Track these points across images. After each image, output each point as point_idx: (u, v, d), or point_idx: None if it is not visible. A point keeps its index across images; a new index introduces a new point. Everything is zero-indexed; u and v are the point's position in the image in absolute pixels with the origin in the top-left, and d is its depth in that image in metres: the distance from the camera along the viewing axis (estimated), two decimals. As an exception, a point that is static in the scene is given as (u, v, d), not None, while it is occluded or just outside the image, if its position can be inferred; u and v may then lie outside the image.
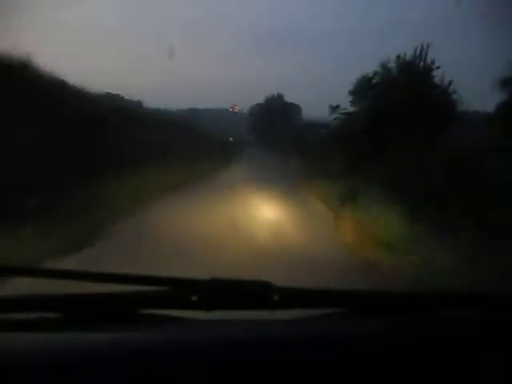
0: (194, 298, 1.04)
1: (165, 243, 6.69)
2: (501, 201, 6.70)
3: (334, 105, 16.71)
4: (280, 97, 77.25)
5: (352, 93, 15.63)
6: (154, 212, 9.73)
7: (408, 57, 14.05)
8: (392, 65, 14.46)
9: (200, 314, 1.07)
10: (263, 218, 10.34)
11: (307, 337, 0.97)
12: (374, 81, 15.09)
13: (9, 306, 1.07)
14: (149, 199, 10.80)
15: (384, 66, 14.70)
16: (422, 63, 13.84)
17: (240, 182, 17.13)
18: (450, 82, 13.45)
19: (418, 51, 13.83)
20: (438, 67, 13.65)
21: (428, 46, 13.79)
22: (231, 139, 54.02)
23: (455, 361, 0.92)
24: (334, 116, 16.93)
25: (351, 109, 16.00)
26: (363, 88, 15.24)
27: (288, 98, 74.12)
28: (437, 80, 13.67)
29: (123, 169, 11.15)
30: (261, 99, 74.46)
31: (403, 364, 0.91)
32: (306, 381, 0.87)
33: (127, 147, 12.67)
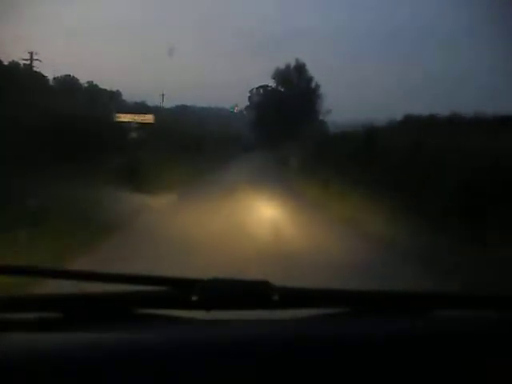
0: (193, 298, 1.03)
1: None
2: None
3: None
4: (300, 68, 41.67)
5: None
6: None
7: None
8: None
9: (200, 314, 1.06)
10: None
11: (307, 337, 0.97)
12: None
13: (9, 306, 1.07)
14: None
15: None
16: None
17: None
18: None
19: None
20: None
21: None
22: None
23: (455, 361, 0.93)
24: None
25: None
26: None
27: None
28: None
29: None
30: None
31: (403, 364, 0.91)
32: (306, 381, 0.87)
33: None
